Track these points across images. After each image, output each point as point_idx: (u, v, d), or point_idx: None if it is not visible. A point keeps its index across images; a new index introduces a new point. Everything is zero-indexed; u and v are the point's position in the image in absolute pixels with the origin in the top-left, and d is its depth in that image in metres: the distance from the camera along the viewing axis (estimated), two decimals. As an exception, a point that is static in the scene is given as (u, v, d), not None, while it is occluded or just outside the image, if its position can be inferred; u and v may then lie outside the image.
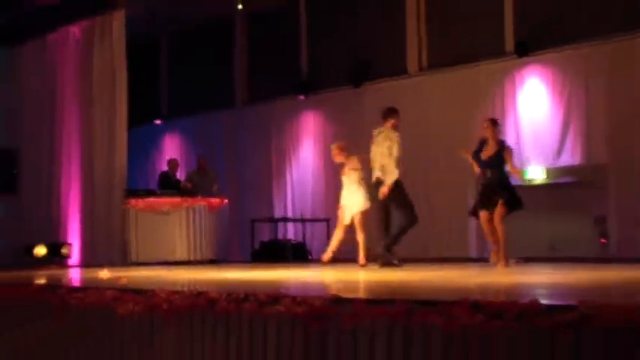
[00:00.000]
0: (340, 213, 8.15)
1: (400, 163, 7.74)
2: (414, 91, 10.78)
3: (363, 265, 7.74)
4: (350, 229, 8.03)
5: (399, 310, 2.89)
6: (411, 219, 7.70)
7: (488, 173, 7.57)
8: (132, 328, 4.05)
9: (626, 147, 9.23)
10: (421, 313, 2.84)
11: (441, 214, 10.28)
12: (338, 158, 8.30)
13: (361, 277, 6.03)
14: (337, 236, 8.12)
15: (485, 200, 7.57)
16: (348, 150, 8.28)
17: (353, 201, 8.02)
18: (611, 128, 9.32)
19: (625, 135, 9.24)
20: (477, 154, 7.68)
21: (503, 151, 7.62)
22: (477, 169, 7.77)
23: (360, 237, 7.92)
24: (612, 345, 2.43)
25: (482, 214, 7.64)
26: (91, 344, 4.34)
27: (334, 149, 8.39)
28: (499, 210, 7.42)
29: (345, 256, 8.29)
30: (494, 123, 7.82)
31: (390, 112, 8.01)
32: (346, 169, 8.15)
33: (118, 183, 10.54)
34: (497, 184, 7.56)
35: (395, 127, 7.92)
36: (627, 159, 9.23)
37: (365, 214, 7.95)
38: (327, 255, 8.06)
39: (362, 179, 8.06)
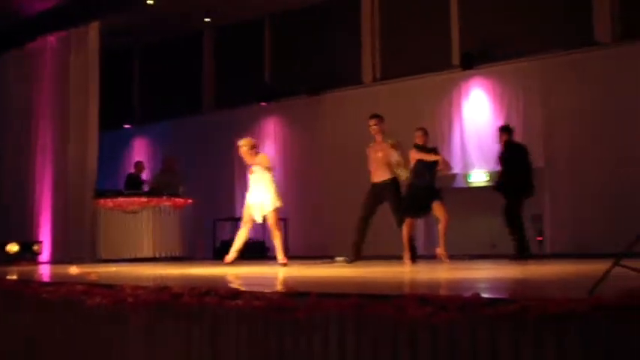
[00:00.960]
0: (246, 212, 7.23)
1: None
2: (369, 100, 10.80)
3: (284, 264, 6.96)
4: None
5: (351, 303, 2.86)
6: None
7: (427, 176, 7.60)
8: (100, 320, 3.95)
9: (559, 153, 9.42)
10: (373, 306, 2.81)
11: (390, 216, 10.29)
12: (247, 157, 7.22)
13: (316, 273, 5.98)
14: (242, 236, 7.30)
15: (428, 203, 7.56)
16: (258, 148, 7.47)
17: (264, 200, 7.12)
18: (545, 135, 9.50)
19: (558, 142, 9.42)
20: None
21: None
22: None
23: (276, 236, 7.13)
24: (546, 332, 2.45)
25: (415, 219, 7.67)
26: (61, 335, 4.22)
27: (244, 146, 7.19)
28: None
29: (300, 254, 8.20)
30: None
31: None
32: (258, 168, 7.20)
33: (88, 184, 10.36)
34: (433, 188, 7.60)
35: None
36: (560, 163, 9.40)
37: (278, 213, 7.20)
38: (232, 256, 7.27)
39: (273, 177, 7.23)
